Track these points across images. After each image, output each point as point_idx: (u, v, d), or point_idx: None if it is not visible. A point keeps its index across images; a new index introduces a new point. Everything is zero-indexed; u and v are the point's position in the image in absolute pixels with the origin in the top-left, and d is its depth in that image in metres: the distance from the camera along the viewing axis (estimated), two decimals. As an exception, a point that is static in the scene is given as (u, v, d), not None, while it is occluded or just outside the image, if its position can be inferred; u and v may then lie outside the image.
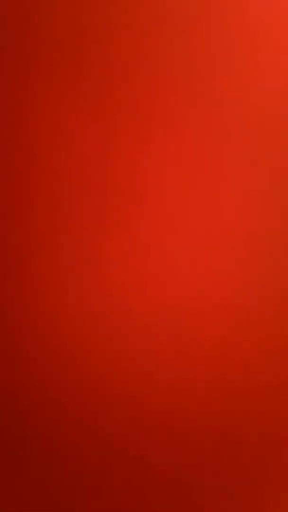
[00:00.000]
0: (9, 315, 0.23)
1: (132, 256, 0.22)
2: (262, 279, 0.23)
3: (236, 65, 0.22)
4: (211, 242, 0.22)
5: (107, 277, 0.22)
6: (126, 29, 0.22)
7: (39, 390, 0.23)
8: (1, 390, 0.23)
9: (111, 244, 0.22)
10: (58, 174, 0.22)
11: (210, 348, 0.22)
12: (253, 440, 0.23)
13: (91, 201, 0.22)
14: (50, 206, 0.22)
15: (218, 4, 0.22)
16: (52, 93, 0.22)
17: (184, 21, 0.22)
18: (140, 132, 0.22)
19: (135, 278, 0.22)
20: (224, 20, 0.22)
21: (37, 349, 0.22)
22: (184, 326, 0.22)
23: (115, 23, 0.22)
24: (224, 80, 0.22)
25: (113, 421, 0.23)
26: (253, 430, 0.23)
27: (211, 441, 0.23)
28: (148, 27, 0.22)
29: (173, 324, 0.22)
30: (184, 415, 0.23)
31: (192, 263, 0.22)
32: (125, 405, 0.22)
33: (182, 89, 0.22)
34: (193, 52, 0.22)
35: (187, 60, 0.22)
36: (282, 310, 0.23)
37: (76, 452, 0.23)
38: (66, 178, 0.22)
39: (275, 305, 0.23)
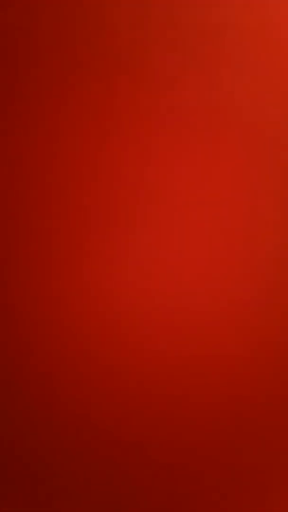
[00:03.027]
0: (11, 314, 0.23)
1: (132, 256, 0.22)
2: (263, 279, 0.23)
3: (236, 67, 0.22)
4: (213, 241, 0.22)
5: (106, 277, 0.22)
6: (126, 32, 0.22)
7: (40, 373, 0.23)
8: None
9: (112, 244, 0.22)
10: (60, 176, 0.22)
11: (210, 350, 0.22)
12: (254, 431, 0.23)
13: (92, 202, 0.22)
14: (50, 207, 0.22)
15: (215, 6, 0.22)
16: (52, 95, 0.22)
17: (183, 24, 0.22)
18: (142, 133, 0.22)
19: (135, 278, 0.22)
20: (223, 22, 0.22)
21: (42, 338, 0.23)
22: (184, 327, 0.22)
23: (117, 26, 0.22)
24: (226, 83, 0.22)
25: (112, 420, 0.23)
26: (254, 422, 0.23)
27: (211, 436, 0.23)
28: (149, 30, 0.22)
29: (173, 326, 0.22)
30: (184, 415, 0.23)
31: (193, 263, 0.22)
32: (125, 408, 0.23)
33: (184, 92, 0.22)
34: (190, 50, 0.22)
35: (186, 60, 0.22)
36: (282, 307, 0.23)
37: (76, 441, 0.23)
38: (69, 179, 0.22)
39: (275, 301, 0.23)
